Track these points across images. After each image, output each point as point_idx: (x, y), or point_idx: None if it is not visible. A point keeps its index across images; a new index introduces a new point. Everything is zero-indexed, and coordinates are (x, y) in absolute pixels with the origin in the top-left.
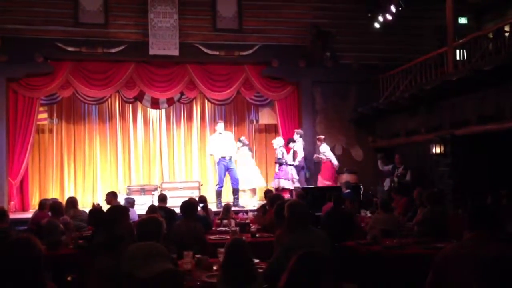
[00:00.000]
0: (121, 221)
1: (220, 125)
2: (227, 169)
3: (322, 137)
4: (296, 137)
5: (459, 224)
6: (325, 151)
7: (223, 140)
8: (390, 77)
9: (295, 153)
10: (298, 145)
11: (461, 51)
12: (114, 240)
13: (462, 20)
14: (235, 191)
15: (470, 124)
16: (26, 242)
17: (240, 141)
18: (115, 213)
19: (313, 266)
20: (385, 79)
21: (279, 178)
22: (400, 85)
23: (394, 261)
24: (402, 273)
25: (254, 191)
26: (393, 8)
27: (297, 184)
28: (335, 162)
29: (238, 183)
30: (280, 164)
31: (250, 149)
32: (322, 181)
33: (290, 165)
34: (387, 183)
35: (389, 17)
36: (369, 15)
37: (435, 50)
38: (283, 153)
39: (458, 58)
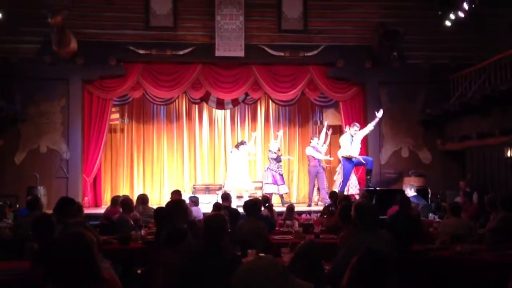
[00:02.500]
0: (178, 215)
1: (356, 128)
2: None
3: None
4: (314, 143)
5: None
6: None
7: (355, 142)
8: (461, 77)
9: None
10: (310, 150)
11: None
12: (176, 235)
13: None
14: None
15: None
16: (79, 235)
17: (242, 143)
18: (171, 207)
19: (375, 265)
20: (456, 79)
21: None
22: (472, 86)
23: (465, 267)
24: (472, 280)
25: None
26: (465, 5)
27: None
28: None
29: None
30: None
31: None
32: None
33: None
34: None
35: (461, 14)
36: (440, 13)
37: (511, 48)
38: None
39: None
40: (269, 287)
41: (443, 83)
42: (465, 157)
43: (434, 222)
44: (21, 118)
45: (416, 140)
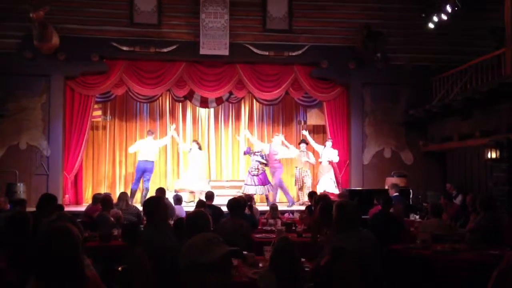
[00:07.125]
0: (156, 212)
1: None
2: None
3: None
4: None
5: None
6: None
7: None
8: (443, 79)
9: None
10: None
11: None
12: (127, 231)
13: None
14: None
15: None
16: (65, 229)
17: (196, 142)
18: (148, 205)
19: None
20: (438, 81)
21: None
22: (454, 88)
23: (445, 266)
24: (453, 279)
25: (193, 193)
26: (448, 8)
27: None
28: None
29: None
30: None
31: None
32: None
33: None
34: None
35: (444, 17)
36: (423, 15)
37: (492, 51)
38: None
39: None
40: (206, 253)
41: (425, 85)
42: (446, 158)
43: (415, 222)
44: (1, 114)
45: (399, 141)
